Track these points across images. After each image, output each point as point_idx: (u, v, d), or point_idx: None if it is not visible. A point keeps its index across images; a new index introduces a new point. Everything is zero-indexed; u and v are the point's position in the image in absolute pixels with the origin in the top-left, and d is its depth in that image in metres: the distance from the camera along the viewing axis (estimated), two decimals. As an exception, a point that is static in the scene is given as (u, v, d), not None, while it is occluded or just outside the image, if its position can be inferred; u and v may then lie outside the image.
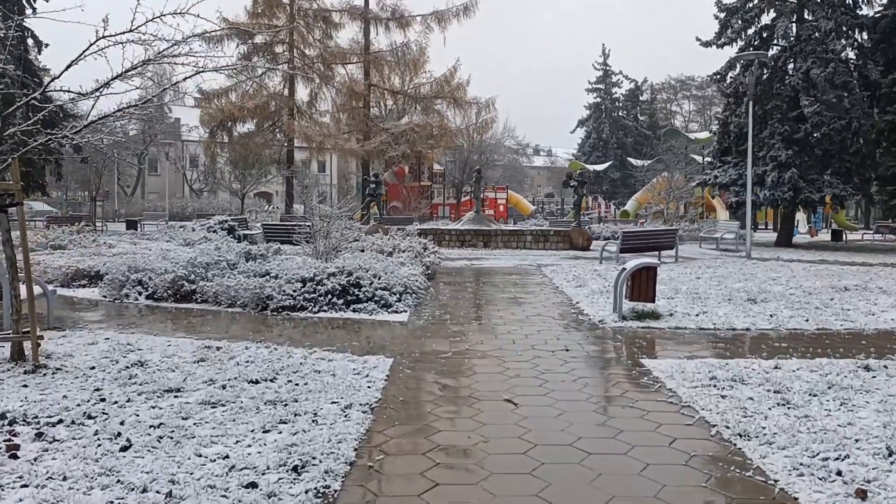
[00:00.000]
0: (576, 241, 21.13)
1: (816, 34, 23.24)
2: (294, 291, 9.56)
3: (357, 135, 38.57)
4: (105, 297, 10.61)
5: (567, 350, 7.16)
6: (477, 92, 39.44)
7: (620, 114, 63.48)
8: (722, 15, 25.67)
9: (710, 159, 30.12)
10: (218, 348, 6.83)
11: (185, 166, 56.02)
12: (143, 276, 10.58)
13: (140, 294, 10.42)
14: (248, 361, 6.31)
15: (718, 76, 25.75)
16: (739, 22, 25.20)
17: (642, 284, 8.78)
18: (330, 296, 9.57)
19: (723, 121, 25.43)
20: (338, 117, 39.99)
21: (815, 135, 22.81)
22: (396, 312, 9.44)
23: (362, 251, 13.45)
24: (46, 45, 25.90)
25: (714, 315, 9.09)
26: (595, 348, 7.36)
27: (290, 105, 37.48)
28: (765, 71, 23.86)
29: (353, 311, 9.45)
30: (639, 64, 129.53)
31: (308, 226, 13.53)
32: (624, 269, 9.00)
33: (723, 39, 25.27)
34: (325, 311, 9.40)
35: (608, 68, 62.75)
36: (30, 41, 25.69)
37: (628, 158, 54.78)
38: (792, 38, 23.31)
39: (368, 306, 9.46)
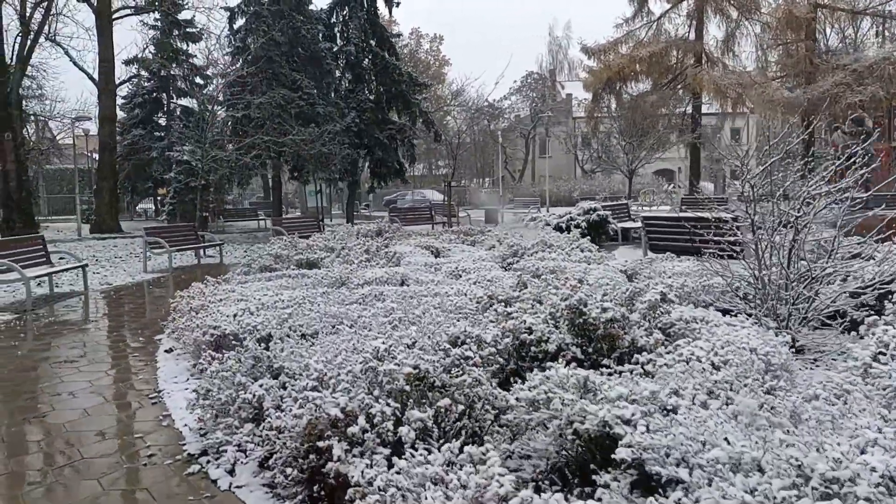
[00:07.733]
0: None
1: None
2: None
3: (793, 80, 27.15)
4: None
5: None
6: None
7: None
8: None
9: None
10: None
11: (575, 146, 50.74)
12: (272, 390, 3.71)
13: (245, 454, 3.55)
14: None
15: None
16: None
17: None
18: None
19: None
20: (762, 59, 29.11)
21: None
22: None
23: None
24: (398, 2, 21.43)
25: None
26: None
27: (697, 50, 28.18)
28: None
29: None
30: None
31: (731, 219, 5.08)
32: None
33: None
34: None
35: None
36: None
37: None
38: None
39: None
